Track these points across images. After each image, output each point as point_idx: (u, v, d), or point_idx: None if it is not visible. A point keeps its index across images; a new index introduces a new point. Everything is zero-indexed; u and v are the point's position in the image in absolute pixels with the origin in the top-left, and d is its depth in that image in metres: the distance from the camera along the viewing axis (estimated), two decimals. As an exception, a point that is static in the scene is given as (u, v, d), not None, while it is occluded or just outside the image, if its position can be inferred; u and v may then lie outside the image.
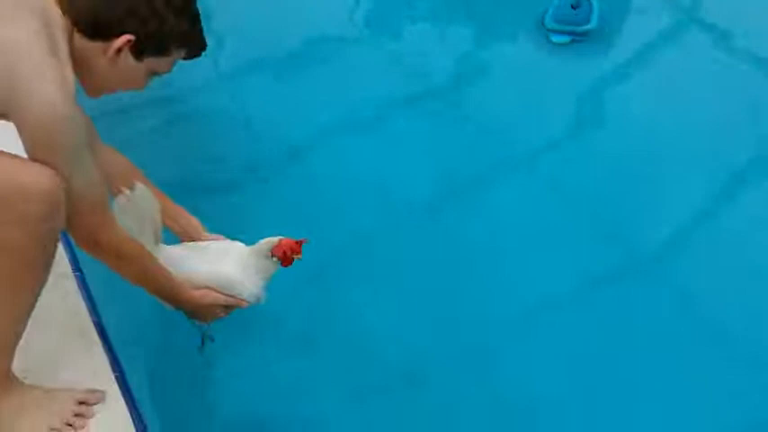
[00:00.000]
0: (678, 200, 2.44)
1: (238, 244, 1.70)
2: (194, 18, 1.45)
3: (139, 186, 1.56)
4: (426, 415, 1.85)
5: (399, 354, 1.95)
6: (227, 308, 1.66)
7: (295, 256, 1.62)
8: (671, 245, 2.31)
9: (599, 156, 2.61)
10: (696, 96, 2.87)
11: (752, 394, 1.90)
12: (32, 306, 1.36)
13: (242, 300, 1.65)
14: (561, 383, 1.92)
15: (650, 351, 1.99)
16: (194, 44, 1.47)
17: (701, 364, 1.96)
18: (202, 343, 1.75)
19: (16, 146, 1.25)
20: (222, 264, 1.64)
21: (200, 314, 1.66)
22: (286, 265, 1.64)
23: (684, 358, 1.98)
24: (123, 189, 1.52)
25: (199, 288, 1.61)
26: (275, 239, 1.62)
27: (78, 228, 1.38)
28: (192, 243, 1.72)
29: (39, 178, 1.21)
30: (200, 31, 1.48)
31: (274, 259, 1.63)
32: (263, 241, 1.63)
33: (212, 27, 3.22)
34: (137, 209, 1.55)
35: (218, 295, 1.63)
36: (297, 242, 1.62)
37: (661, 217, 2.38)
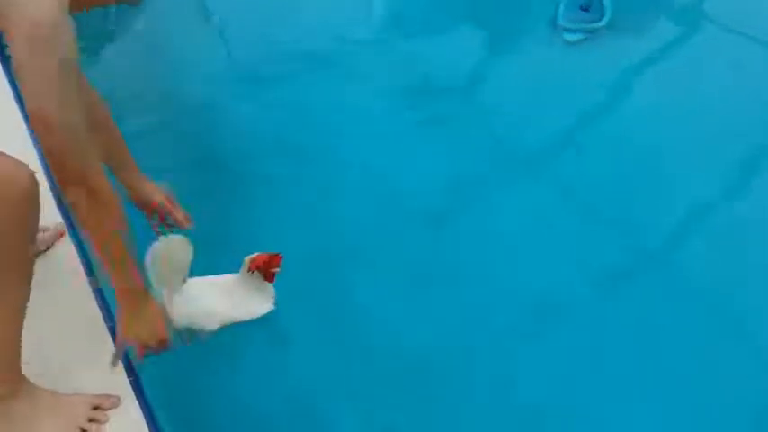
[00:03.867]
0: (690, 196, 2.43)
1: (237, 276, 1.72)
2: None
3: (176, 237, 1.60)
4: (432, 414, 1.84)
5: (406, 354, 1.94)
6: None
7: (272, 270, 1.64)
8: (683, 240, 2.31)
9: (613, 157, 2.60)
10: (709, 92, 2.86)
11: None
12: (26, 299, 1.36)
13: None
14: (570, 383, 1.90)
15: (661, 347, 1.98)
16: None
17: (714, 357, 1.95)
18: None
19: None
20: (236, 304, 1.69)
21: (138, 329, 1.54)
22: (269, 281, 1.67)
23: (697, 352, 1.97)
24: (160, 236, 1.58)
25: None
26: (250, 258, 1.65)
27: (53, 151, 1.31)
28: (203, 279, 1.73)
29: (13, 170, 1.24)
30: None
31: (258, 275, 1.66)
32: (244, 264, 1.66)
33: (219, 26, 3.25)
34: (171, 258, 1.59)
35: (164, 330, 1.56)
36: (269, 256, 1.63)
37: (675, 213, 2.37)
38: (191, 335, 1.73)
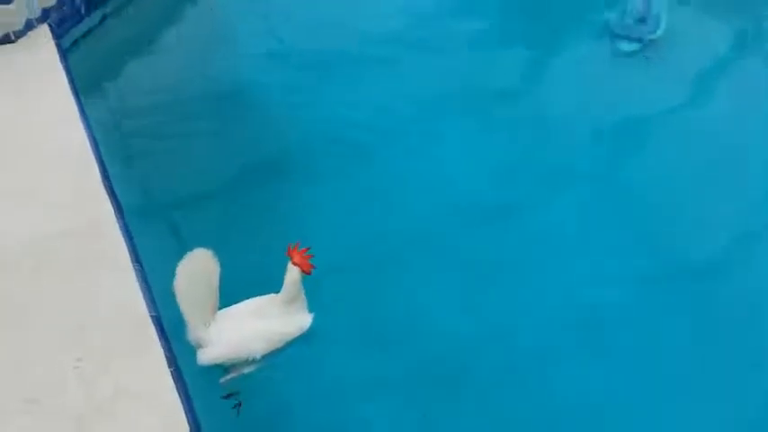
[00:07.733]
0: (736, 212, 2.39)
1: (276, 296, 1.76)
2: None
3: (199, 250, 1.62)
4: (479, 412, 1.84)
5: (455, 351, 1.94)
6: None
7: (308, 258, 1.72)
8: (727, 254, 2.28)
9: (658, 165, 2.56)
10: (761, 111, 2.80)
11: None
12: None
13: None
14: (615, 388, 1.90)
15: (705, 355, 1.97)
16: None
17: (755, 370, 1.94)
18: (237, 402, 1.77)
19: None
20: (278, 323, 1.76)
21: None
22: (308, 272, 1.73)
23: (740, 360, 1.96)
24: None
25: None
26: (295, 271, 1.70)
27: None
28: (236, 308, 1.75)
29: None
30: None
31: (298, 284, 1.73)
32: (287, 283, 1.71)
33: (268, 22, 3.26)
34: (199, 273, 1.62)
35: None
36: (300, 255, 1.71)
37: (719, 228, 2.33)
38: (238, 368, 1.74)
